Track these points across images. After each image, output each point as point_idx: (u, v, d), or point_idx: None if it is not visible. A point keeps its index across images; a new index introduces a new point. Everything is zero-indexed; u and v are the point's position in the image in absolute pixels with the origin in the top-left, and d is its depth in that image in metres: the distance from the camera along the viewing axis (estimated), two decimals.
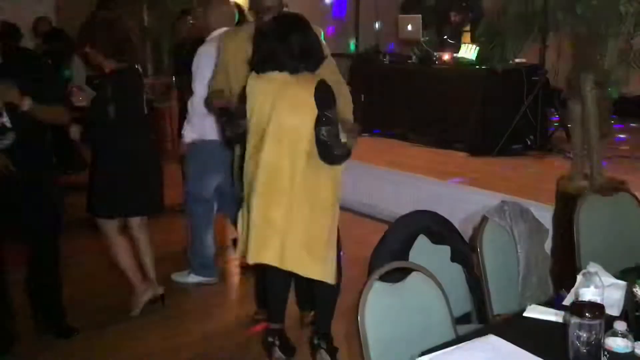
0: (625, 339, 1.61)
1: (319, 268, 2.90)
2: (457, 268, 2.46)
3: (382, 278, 1.92)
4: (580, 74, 3.57)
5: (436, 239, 2.43)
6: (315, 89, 2.79)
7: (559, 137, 6.13)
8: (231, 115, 3.07)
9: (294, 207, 2.84)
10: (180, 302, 3.92)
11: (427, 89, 6.47)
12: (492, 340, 1.84)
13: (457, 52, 6.64)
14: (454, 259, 2.45)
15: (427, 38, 7.06)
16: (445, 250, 2.45)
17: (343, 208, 5.48)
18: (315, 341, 3.16)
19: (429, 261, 2.19)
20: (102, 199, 3.54)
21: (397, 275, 1.99)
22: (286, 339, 3.22)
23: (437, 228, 2.46)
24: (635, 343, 1.64)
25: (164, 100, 7.51)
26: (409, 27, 7.13)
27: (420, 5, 7.73)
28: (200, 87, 3.79)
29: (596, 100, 3.57)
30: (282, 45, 2.80)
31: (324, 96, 2.80)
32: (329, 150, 2.82)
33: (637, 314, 1.88)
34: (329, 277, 2.93)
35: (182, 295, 4.01)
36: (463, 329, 2.10)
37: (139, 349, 3.38)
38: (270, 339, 3.18)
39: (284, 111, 2.82)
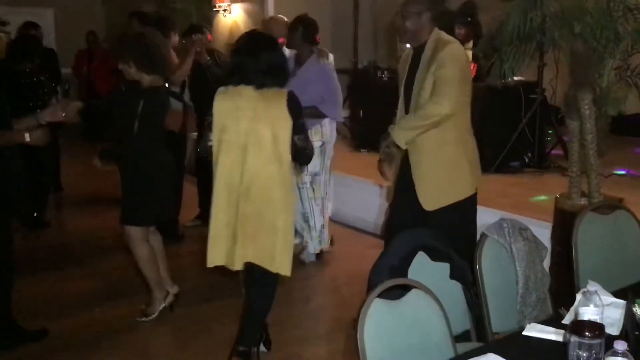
0: (625, 359, 1.61)
1: None
2: (456, 285, 2.46)
3: (382, 295, 1.92)
4: (577, 91, 3.58)
5: (435, 255, 2.43)
6: (287, 100, 2.96)
7: (556, 155, 6.14)
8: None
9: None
10: None
11: None
12: (492, 359, 1.84)
13: None
14: (453, 276, 2.45)
15: None
16: (444, 267, 2.44)
17: (342, 223, 5.56)
18: None
19: (428, 278, 2.19)
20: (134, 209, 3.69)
21: (397, 292, 1.99)
22: None
23: (437, 245, 2.46)
24: None
25: None
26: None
27: None
28: None
29: (594, 118, 3.58)
30: (250, 60, 2.97)
31: (295, 107, 2.99)
32: (304, 154, 3.06)
33: (637, 333, 1.87)
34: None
35: None
36: (462, 347, 2.10)
37: None
38: None
39: (259, 124, 2.97)
